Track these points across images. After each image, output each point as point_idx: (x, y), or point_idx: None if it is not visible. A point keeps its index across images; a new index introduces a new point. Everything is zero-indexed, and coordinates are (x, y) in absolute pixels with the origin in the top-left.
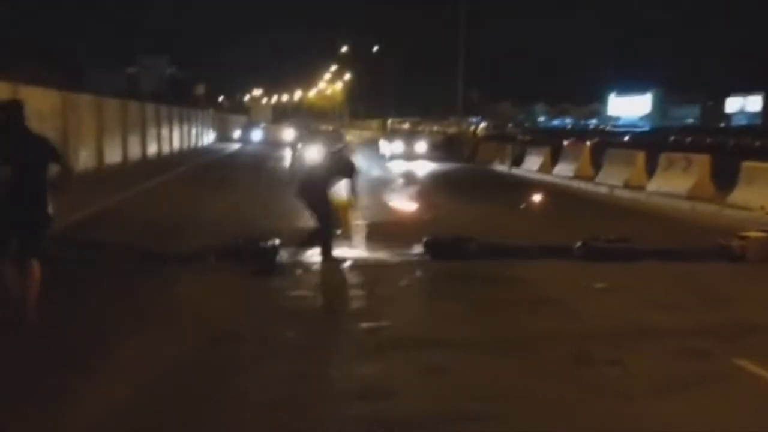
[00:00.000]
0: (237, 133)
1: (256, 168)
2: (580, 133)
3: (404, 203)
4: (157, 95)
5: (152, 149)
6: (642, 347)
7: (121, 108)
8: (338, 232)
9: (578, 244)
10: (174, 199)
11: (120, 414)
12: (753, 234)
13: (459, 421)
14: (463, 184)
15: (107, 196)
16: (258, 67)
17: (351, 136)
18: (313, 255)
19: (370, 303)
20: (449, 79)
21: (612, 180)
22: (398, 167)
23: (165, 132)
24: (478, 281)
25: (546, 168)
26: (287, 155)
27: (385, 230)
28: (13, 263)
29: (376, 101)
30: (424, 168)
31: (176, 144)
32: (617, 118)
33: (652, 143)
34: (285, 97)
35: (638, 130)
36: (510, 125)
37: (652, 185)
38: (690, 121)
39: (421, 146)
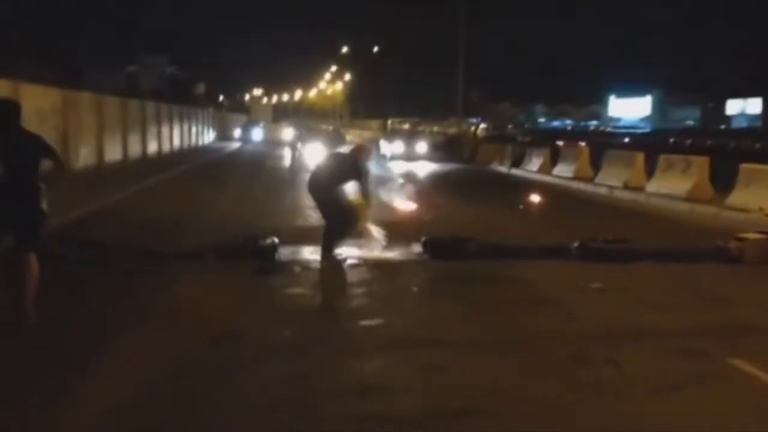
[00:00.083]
0: (237, 133)
1: (255, 167)
2: (579, 135)
3: (404, 203)
4: (157, 94)
5: (152, 148)
6: (639, 347)
7: (121, 106)
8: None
9: (576, 244)
10: (174, 197)
11: (119, 414)
12: (750, 235)
13: (456, 419)
14: (462, 184)
15: (107, 194)
16: (258, 67)
17: (351, 136)
18: (313, 253)
19: (369, 302)
20: (449, 80)
21: (611, 181)
22: (398, 167)
23: (165, 130)
24: (477, 281)
25: (546, 169)
26: (287, 155)
27: (385, 230)
28: (9, 263)
29: (376, 101)
30: (424, 168)
31: (176, 142)
32: (618, 120)
33: (652, 145)
34: (285, 97)
35: (639, 131)
36: (510, 126)
37: (652, 186)
38: (690, 123)
39: (422, 147)
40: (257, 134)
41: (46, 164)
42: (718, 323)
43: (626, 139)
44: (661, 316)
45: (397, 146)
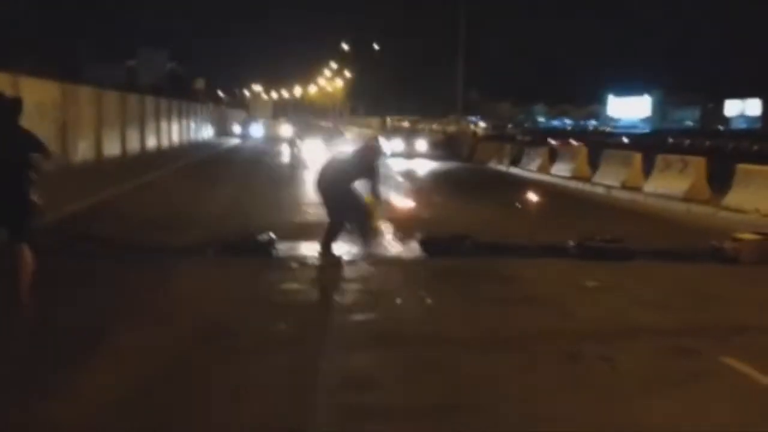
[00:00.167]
0: (236, 129)
1: (254, 163)
2: (577, 135)
3: (402, 201)
4: (157, 89)
5: (151, 143)
6: (633, 345)
7: (120, 101)
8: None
9: (573, 243)
10: (172, 192)
11: (116, 408)
12: (746, 236)
13: (446, 413)
14: (461, 183)
15: (106, 188)
16: (258, 63)
17: (350, 134)
18: (310, 249)
19: (364, 298)
20: (449, 79)
21: (609, 180)
22: (398, 165)
23: (164, 126)
24: (472, 279)
25: (544, 168)
26: (286, 151)
27: (383, 227)
28: (2, 254)
29: (376, 99)
30: (423, 167)
31: (175, 138)
32: (617, 120)
33: (651, 145)
34: (285, 94)
35: (638, 131)
36: (510, 125)
37: (649, 186)
38: (689, 123)
39: (421, 145)
40: (257, 131)
41: (36, 158)
42: (712, 322)
43: (625, 139)
44: (656, 315)
45: (397, 144)
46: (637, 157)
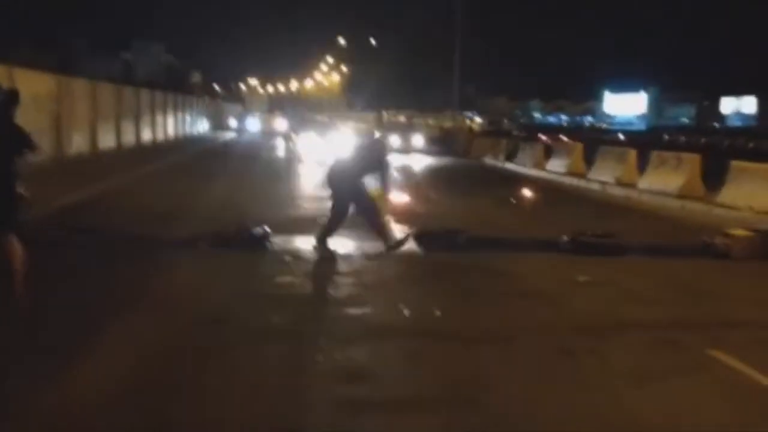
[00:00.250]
0: (233, 123)
1: (250, 157)
2: (573, 131)
3: (397, 195)
4: (152, 82)
5: (147, 136)
6: (622, 339)
7: (115, 93)
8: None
9: (566, 238)
10: (167, 186)
11: (109, 396)
12: (737, 232)
13: (436, 405)
14: (456, 178)
15: (101, 181)
16: (254, 57)
17: (347, 128)
18: (304, 243)
19: (357, 291)
20: (446, 74)
21: (604, 177)
22: (394, 160)
23: (160, 119)
24: (465, 272)
25: (539, 163)
26: (282, 145)
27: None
28: None
29: (372, 94)
30: (419, 162)
31: (171, 131)
32: (613, 117)
33: (646, 142)
34: (281, 88)
35: (634, 128)
36: (505, 121)
37: (643, 183)
38: (685, 120)
39: (418, 140)
40: (254, 124)
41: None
42: (701, 316)
43: (621, 136)
44: (646, 309)
45: (393, 139)
46: (632, 154)
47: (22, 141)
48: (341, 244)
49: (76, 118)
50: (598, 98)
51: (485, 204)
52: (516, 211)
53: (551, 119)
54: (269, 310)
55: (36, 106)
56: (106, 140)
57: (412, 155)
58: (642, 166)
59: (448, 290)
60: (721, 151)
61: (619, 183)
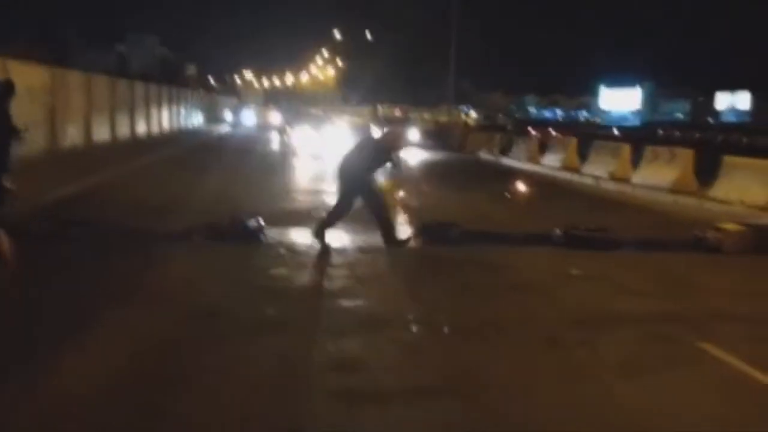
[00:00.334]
0: (228, 117)
1: (244, 150)
2: (567, 125)
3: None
4: (147, 75)
5: (141, 129)
6: (613, 331)
7: (110, 86)
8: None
9: (559, 232)
10: (162, 178)
11: (103, 388)
12: (729, 226)
13: (427, 395)
14: (451, 172)
15: (95, 174)
16: (249, 50)
17: (342, 122)
18: (299, 235)
19: (351, 284)
20: (442, 69)
21: (598, 171)
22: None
23: (154, 112)
24: (459, 266)
25: (534, 158)
26: (277, 138)
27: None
28: None
29: (368, 88)
30: (414, 156)
31: (165, 124)
32: (607, 112)
33: (641, 137)
34: (277, 81)
35: (628, 123)
36: (500, 115)
37: (637, 177)
38: (680, 116)
39: (413, 134)
40: (249, 118)
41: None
42: (692, 310)
43: (615, 131)
44: (637, 302)
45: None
46: (626, 149)
47: (11, 130)
48: (336, 236)
49: (70, 111)
50: (594, 93)
51: (479, 198)
52: (510, 205)
53: (546, 114)
54: (263, 303)
55: (30, 98)
56: (101, 133)
57: (407, 149)
58: (636, 161)
59: (441, 283)
60: (714, 146)
61: (613, 177)
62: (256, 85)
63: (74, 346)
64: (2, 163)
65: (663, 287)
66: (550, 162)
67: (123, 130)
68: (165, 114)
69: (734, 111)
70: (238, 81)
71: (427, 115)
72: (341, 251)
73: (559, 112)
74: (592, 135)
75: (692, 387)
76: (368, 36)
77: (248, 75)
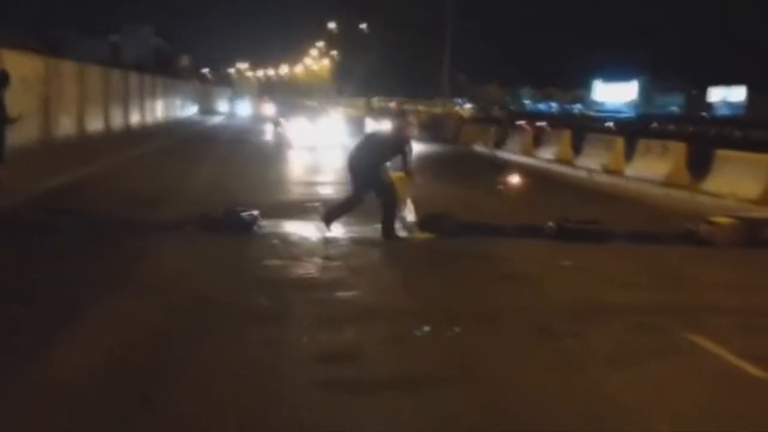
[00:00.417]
0: (223, 107)
1: (238, 141)
2: (560, 118)
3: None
4: (141, 66)
5: (135, 119)
6: (603, 322)
7: (103, 76)
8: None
9: (550, 224)
10: (155, 169)
11: (93, 377)
12: (720, 219)
13: (418, 384)
14: (445, 164)
15: (87, 164)
16: (244, 41)
17: (336, 114)
18: (293, 227)
19: (345, 275)
20: (437, 61)
21: (591, 164)
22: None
23: (148, 102)
24: (449, 257)
25: (528, 150)
26: (270, 129)
27: (364, 207)
28: None
29: (363, 80)
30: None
31: (159, 115)
32: (601, 104)
33: (635, 130)
34: (271, 72)
35: (622, 116)
36: (495, 108)
37: (630, 170)
38: (674, 109)
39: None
40: (244, 109)
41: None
42: (682, 302)
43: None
44: (627, 294)
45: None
46: (619, 142)
47: (5, 120)
48: (318, 229)
49: (64, 101)
50: (588, 87)
51: (473, 190)
52: (503, 197)
53: (541, 107)
54: (257, 293)
55: (24, 88)
56: (94, 123)
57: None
58: (629, 154)
59: (434, 274)
60: (707, 139)
61: (606, 170)
62: (250, 75)
63: (66, 335)
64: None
65: (654, 279)
66: (544, 155)
67: (116, 121)
68: (159, 105)
69: (727, 104)
70: (233, 72)
71: (422, 108)
72: (335, 242)
73: (554, 105)
74: (586, 128)
75: (682, 379)
76: (364, 28)
77: (243, 66)
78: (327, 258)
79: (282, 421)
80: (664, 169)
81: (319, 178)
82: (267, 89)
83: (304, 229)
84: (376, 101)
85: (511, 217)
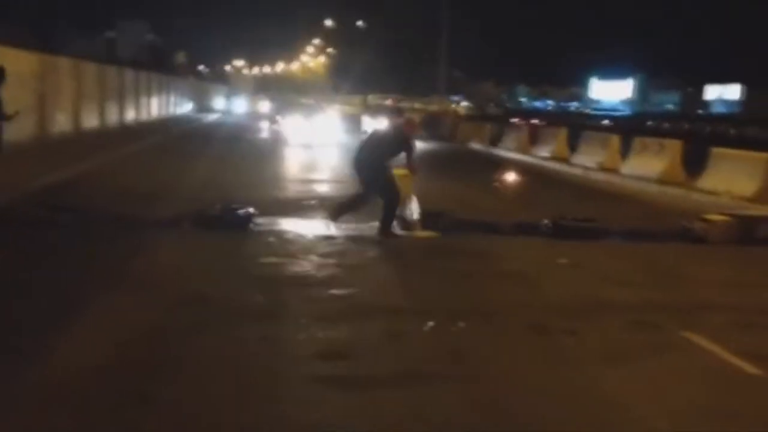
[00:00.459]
0: (219, 104)
1: (234, 138)
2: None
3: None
4: (136, 62)
5: (130, 116)
6: (598, 319)
7: (99, 72)
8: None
9: (546, 221)
10: (151, 166)
11: (89, 374)
12: (715, 217)
13: (414, 381)
14: (441, 162)
15: (83, 160)
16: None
17: (333, 111)
18: (288, 224)
19: (339, 272)
20: (433, 58)
21: (587, 162)
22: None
23: (143, 99)
24: (445, 254)
25: (524, 148)
26: (266, 127)
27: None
28: None
29: (359, 77)
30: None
31: (155, 111)
32: (597, 102)
33: (632, 128)
34: (267, 69)
35: (618, 113)
36: (492, 105)
37: (626, 168)
38: (670, 107)
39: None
40: (240, 106)
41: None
42: (677, 299)
43: (606, 121)
44: (622, 291)
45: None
46: (615, 140)
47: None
48: (325, 225)
49: (59, 97)
50: (584, 84)
51: (469, 187)
52: (499, 194)
53: (537, 104)
54: (252, 290)
55: (20, 84)
56: (90, 120)
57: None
58: (625, 152)
59: (430, 271)
60: (703, 137)
61: (602, 168)
62: (246, 72)
63: (62, 332)
64: None
65: (650, 277)
66: (540, 152)
67: (112, 117)
68: (154, 101)
69: (723, 102)
70: (229, 69)
71: (418, 105)
72: (331, 239)
73: (550, 103)
74: (582, 125)
75: (676, 375)
76: (361, 25)
77: (239, 63)
78: (323, 255)
79: (278, 417)
80: (659, 167)
81: (315, 176)
82: (263, 86)
83: (300, 227)
84: (372, 98)
85: (507, 215)
